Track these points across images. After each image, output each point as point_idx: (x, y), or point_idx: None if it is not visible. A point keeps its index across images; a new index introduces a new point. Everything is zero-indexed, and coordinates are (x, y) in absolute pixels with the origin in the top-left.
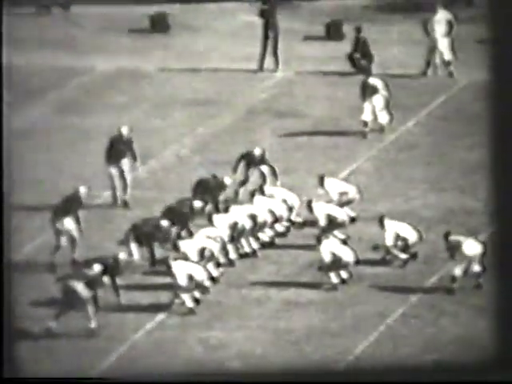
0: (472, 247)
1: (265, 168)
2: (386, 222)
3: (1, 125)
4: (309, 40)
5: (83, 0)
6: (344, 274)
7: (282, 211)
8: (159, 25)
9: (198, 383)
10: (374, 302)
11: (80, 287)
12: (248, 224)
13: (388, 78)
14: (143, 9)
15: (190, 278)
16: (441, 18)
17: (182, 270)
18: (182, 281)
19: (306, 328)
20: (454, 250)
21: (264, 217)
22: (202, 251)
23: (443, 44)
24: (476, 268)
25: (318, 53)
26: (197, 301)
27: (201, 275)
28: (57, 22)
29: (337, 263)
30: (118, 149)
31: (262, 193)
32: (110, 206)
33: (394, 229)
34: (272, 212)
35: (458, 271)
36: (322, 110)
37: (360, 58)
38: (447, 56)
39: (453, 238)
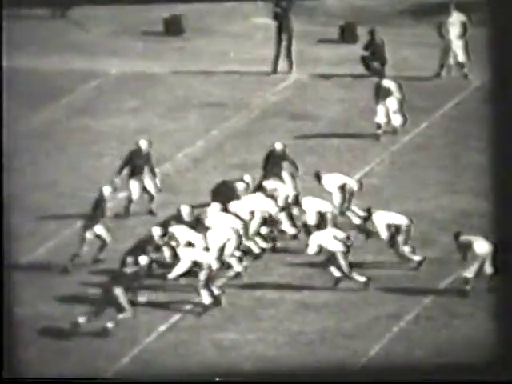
0: (483, 247)
1: (286, 163)
2: (375, 215)
3: (11, 127)
4: (323, 42)
5: (98, 2)
6: (361, 278)
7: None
8: (173, 28)
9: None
10: (387, 303)
11: (121, 293)
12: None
13: (402, 80)
14: (157, 12)
15: (195, 263)
16: (455, 19)
17: (187, 256)
18: (185, 265)
19: (320, 330)
20: (465, 250)
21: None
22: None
23: (457, 46)
24: (488, 269)
25: (332, 55)
26: (215, 298)
27: (207, 259)
28: (72, 25)
29: (332, 258)
30: (137, 163)
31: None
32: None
33: (384, 220)
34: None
35: (469, 273)
36: (335, 112)
37: (372, 58)
38: (461, 58)
39: (463, 237)
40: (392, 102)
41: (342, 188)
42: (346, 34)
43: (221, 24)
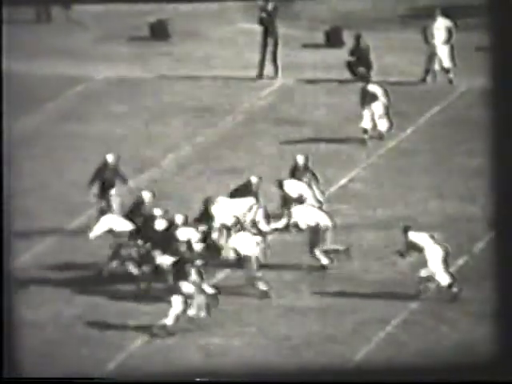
0: (434, 252)
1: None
2: (294, 209)
3: (1, 132)
4: (308, 47)
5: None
6: (263, 286)
7: None
8: (159, 33)
9: None
10: (374, 308)
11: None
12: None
13: (387, 85)
14: (143, 17)
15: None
16: (440, 25)
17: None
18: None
19: (306, 335)
20: (410, 247)
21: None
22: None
23: (443, 51)
24: (443, 279)
25: (318, 60)
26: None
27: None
28: (56, 30)
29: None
30: (106, 179)
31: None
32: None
33: (304, 216)
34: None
35: (424, 272)
36: (321, 117)
37: (357, 63)
38: (446, 63)
39: (413, 234)
40: (378, 107)
41: (316, 229)
42: (332, 39)
43: (207, 29)
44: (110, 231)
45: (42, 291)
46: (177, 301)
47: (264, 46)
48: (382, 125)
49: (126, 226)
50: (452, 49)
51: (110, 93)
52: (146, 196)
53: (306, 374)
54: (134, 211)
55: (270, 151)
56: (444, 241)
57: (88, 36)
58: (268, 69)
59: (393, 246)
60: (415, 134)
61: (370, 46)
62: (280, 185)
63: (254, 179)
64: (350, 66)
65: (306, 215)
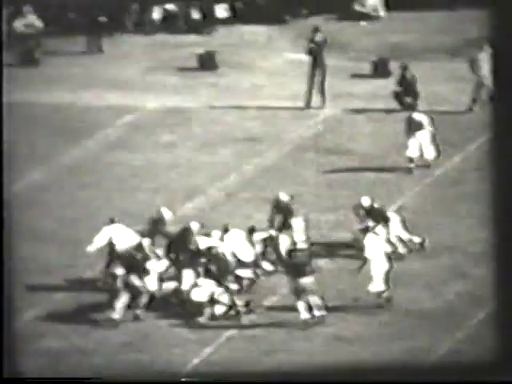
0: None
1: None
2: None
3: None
4: (355, 77)
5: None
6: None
7: None
8: (207, 63)
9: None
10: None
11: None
12: None
13: (434, 114)
14: (192, 48)
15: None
16: (487, 55)
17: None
18: None
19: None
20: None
21: None
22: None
23: (490, 81)
24: (378, 285)
25: (365, 90)
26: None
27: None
28: (107, 60)
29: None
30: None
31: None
32: None
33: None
34: None
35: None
36: (368, 146)
37: (404, 93)
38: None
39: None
40: (424, 135)
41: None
42: (379, 69)
43: (254, 59)
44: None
45: None
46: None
47: (312, 76)
48: (429, 153)
49: (130, 239)
50: None
51: (159, 122)
52: (195, 226)
53: None
54: (180, 240)
55: (316, 181)
56: (492, 270)
57: (138, 67)
58: (315, 99)
59: (440, 275)
60: (462, 163)
61: (417, 76)
62: None
63: (283, 196)
64: (397, 96)
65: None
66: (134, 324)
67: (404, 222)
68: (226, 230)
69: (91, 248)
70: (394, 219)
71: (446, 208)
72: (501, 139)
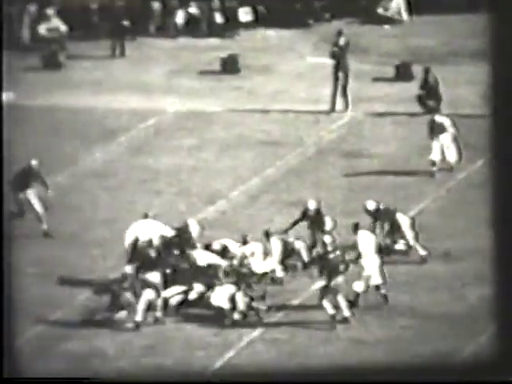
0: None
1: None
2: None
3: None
4: (378, 81)
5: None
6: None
7: None
8: (230, 67)
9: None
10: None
11: None
12: None
13: (457, 117)
14: (214, 52)
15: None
16: None
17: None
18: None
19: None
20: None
21: None
22: None
23: None
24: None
25: (387, 93)
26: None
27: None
28: (131, 64)
29: None
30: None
31: None
32: None
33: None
34: None
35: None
36: (390, 149)
37: (426, 96)
38: None
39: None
40: (446, 138)
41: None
42: (402, 73)
43: (277, 63)
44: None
45: None
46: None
47: (335, 79)
48: (451, 156)
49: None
50: None
51: (182, 126)
52: (194, 228)
53: None
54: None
55: (338, 184)
56: None
57: (161, 70)
58: (338, 102)
59: (462, 279)
60: (485, 167)
61: (440, 80)
62: None
63: (311, 204)
64: (420, 99)
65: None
66: (156, 327)
67: (413, 226)
68: (244, 242)
69: (125, 244)
70: (404, 222)
71: (467, 212)
72: None
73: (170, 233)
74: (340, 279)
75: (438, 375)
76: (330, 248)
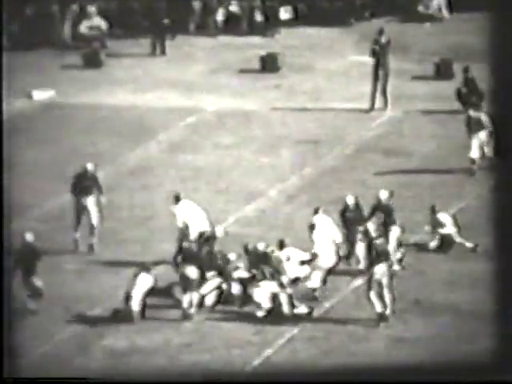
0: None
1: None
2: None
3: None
4: (418, 79)
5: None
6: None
7: None
8: (269, 65)
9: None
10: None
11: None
12: None
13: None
14: (254, 50)
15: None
16: None
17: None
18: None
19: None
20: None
21: None
22: None
23: None
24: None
25: (427, 92)
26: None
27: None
28: (170, 62)
29: None
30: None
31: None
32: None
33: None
34: None
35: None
36: (429, 147)
37: (469, 94)
38: None
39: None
40: (484, 135)
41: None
42: (442, 71)
43: (317, 61)
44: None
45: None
46: None
47: (375, 78)
48: (489, 152)
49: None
50: None
51: (221, 124)
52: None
53: None
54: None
55: (377, 182)
56: None
57: (200, 68)
58: (378, 100)
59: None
60: None
61: (480, 78)
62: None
63: (349, 199)
64: (461, 97)
65: None
66: (195, 324)
67: (456, 222)
68: (281, 247)
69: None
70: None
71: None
72: None
73: (205, 224)
74: (382, 267)
75: (437, 375)
76: (374, 234)
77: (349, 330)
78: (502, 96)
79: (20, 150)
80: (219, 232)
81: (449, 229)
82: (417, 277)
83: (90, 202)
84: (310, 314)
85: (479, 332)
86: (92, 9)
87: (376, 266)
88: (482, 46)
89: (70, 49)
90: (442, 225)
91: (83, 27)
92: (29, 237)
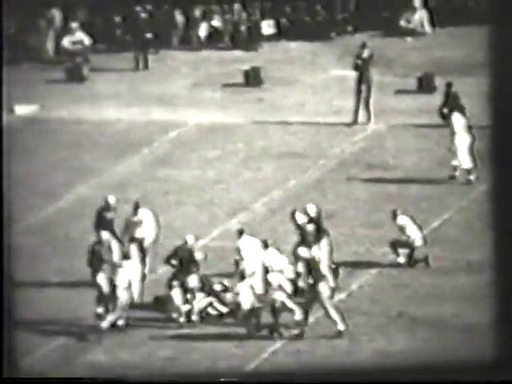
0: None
1: None
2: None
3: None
4: (401, 93)
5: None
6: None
7: None
8: (253, 79)
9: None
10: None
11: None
12: None
13: (479, 129)
14: (237, 64)
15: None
16: None
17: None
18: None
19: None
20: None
21: None
22: None
23: None
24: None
25: (410, 106)
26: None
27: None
28: (154, 77)
29: None
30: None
31: None
32: None
33: None
34: None
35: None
36: (412, 161)
37: (450, 112)
38: None
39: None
40: (464, 142)
41: None
42: (424, 85)
43: (299, 75)
44: None
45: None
46: None
47: (358, 92)
48: (466, 163)
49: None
50: None
51: (204, 138)
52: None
53: None
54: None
55: (360, 196)
56: None
57: (184, 82)
58: (361, 114)
59: (484, 290)
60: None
61: (463, 92)
62: None
63: (310, 208)
64: (442, 113)
65: None
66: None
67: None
68: (265, 247)
69: None
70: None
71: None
72: None
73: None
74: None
75: (437, 375)
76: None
77: (333, 344)
78: (501, 105)
79: (3, 164)
80: (190, 241)
81: (410, 231)
82: (400, 290)
83: (111, 240)
84: (300, 335)
85: (463, 345)
86: (74, 24)
87: (318, 284)
88: (465, 60)
89: (53, 63)
90: (402, 228)
91: (66, 42)
92: None
